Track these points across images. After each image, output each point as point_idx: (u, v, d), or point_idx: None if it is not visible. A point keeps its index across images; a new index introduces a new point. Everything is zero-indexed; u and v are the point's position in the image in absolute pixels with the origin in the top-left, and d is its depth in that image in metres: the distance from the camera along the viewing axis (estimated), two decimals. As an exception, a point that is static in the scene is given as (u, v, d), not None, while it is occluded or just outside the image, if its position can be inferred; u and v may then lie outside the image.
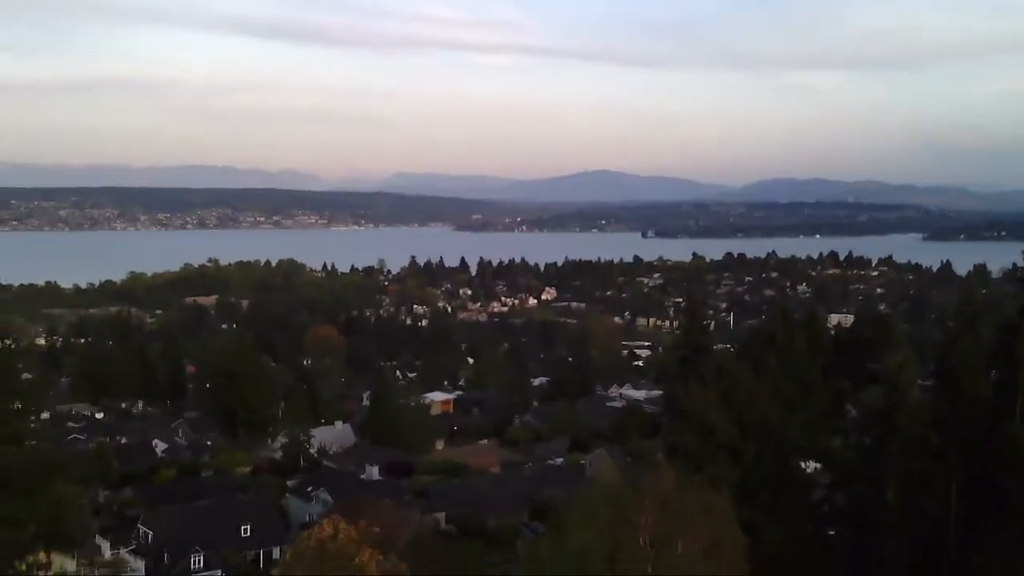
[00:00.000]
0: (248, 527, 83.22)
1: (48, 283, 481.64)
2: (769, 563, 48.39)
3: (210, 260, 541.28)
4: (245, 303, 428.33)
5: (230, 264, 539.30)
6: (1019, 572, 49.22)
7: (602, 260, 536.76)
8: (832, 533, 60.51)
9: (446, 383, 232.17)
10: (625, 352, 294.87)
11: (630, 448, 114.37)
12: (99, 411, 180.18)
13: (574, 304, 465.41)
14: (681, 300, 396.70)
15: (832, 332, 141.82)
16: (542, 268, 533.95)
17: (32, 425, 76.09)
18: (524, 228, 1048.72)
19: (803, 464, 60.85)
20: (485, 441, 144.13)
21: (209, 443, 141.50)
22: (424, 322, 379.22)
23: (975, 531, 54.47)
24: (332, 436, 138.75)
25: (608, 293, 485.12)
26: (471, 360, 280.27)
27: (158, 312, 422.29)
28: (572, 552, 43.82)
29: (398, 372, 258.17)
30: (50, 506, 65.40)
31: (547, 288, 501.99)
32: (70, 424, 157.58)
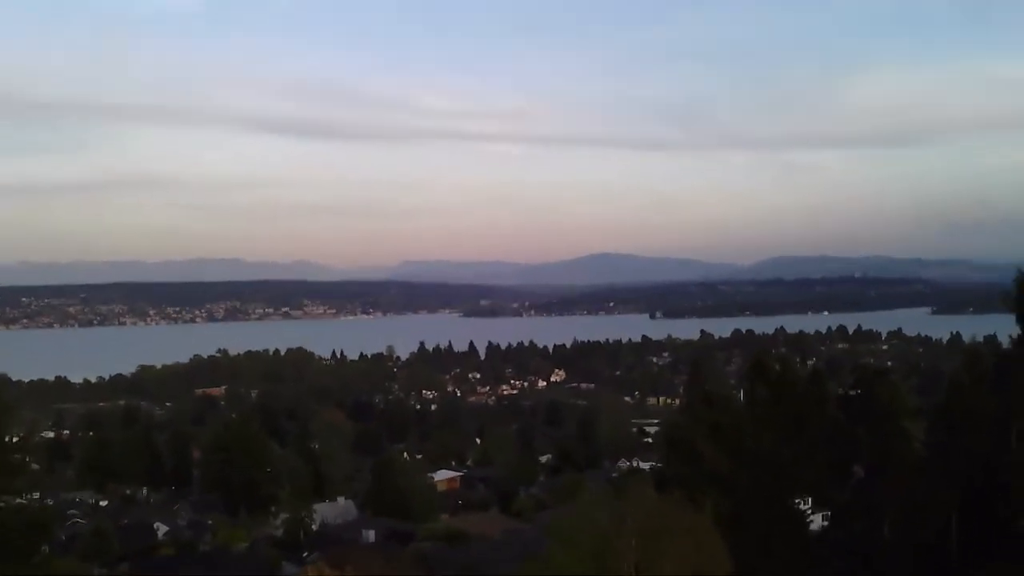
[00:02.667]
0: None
1: (58, 378, 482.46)
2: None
3: (219, 351, 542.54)
4: (255, 393, 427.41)
5: (239, 354, 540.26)
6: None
7: (610, 341, 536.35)
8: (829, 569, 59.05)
9: (453, 463, 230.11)
10: (635, 430, 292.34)
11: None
12: (103, 499, 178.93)
13: (583, 385, 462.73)
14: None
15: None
16: (551, 350, 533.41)
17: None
18: (532, 312, 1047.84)
19: (799, 501, 59.84)
20: (489, 511, 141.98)
21: (210, 522, 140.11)
22: (433, 407, 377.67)
23: (975, 562, 53.19)
24: (334, 511, 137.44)
25: (617, 373, 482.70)
26: (479, 441, 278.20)
27: (167, 404, 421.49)
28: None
29: (405, 453, 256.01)
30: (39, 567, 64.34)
31: (556, 370, 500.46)
32: (71, 511, 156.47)
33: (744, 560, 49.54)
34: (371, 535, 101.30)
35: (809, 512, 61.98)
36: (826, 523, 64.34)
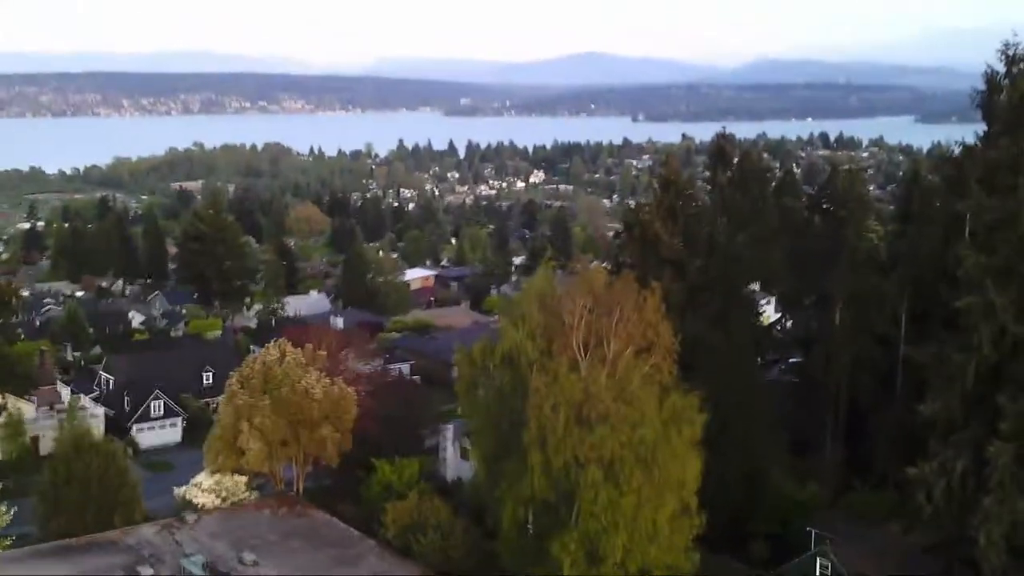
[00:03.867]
0: (211, 375, 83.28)
1: (32, 168, 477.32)
2: (714, 378, 48.19)
3: (195, 144, 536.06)
4: (232, 188, 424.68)
5: (215, 148, 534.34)
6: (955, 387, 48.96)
7: (591, 143, 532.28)
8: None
9: (428, 262, 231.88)
10: (611, 233, 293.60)
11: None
12: (79, 289, 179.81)
13: (562, 187, 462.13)
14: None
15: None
16: (530, 151, 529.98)
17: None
18: (513, 112, 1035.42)
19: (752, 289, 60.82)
20: (459, 306, 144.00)
21: (184, 312, 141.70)
22: (410, 205, 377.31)
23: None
24: (307, 304, 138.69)
25: (596, 175, 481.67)
26: (454, 240, 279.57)
27: (144, 197, 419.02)
28: (503, 351, 43.66)
29: (380, 251, 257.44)
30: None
31: (535, 171, 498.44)
32: (46, 300, 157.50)
33: (693, 341, 50.55)
34: (339, 323, 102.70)
35: (762, 300, 63.22)
36: (779, 313, 65.81)
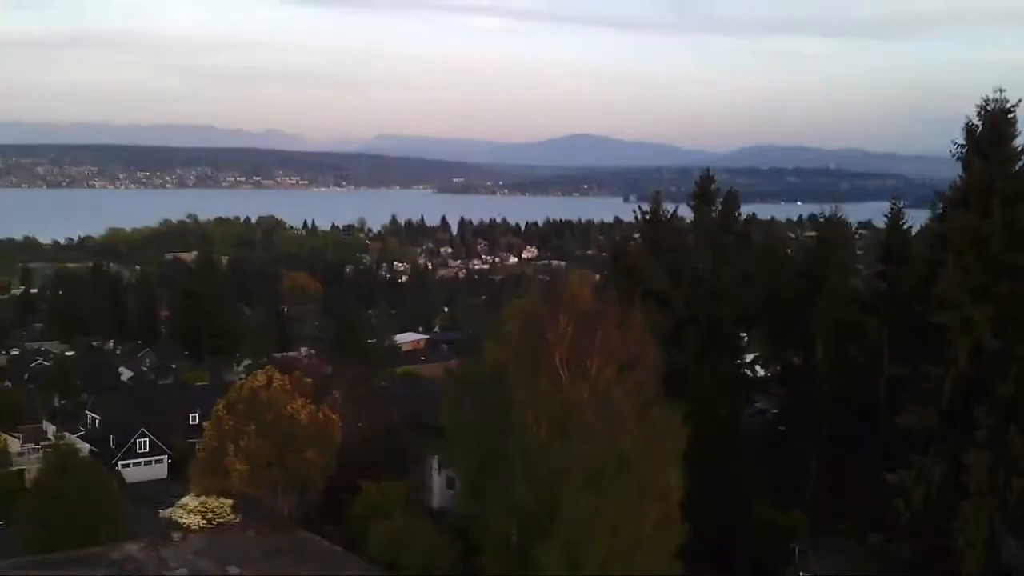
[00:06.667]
0: (197, 415, 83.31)
1: (26, 238, 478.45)
2: (698, 409, 48.73)
3: (189, 216, 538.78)
4: (225, 259, 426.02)
5: (210, 221, 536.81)
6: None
7: (583, 221, 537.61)
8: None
9: (420, 328, 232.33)
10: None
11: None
12: (69, 349, 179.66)
13: (554, 262, 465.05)
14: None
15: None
16: (523, 228, 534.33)
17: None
18: (506, 191, 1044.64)
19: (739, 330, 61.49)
20: (450, 362, 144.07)
21: (174, 367, 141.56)
22: (403, 277, 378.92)
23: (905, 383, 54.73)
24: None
25: (588, 252, 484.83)
26: (446, 309, 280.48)
27: (137, 267, 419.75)
28: (486, 371, 44.23)
29: (373, 318, 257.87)
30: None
31: (528, 247, 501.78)
32: (37, 358, 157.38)
33: (677, 373, 51.22)
34: (329, 370, 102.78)
35: (745, 338, 63.87)
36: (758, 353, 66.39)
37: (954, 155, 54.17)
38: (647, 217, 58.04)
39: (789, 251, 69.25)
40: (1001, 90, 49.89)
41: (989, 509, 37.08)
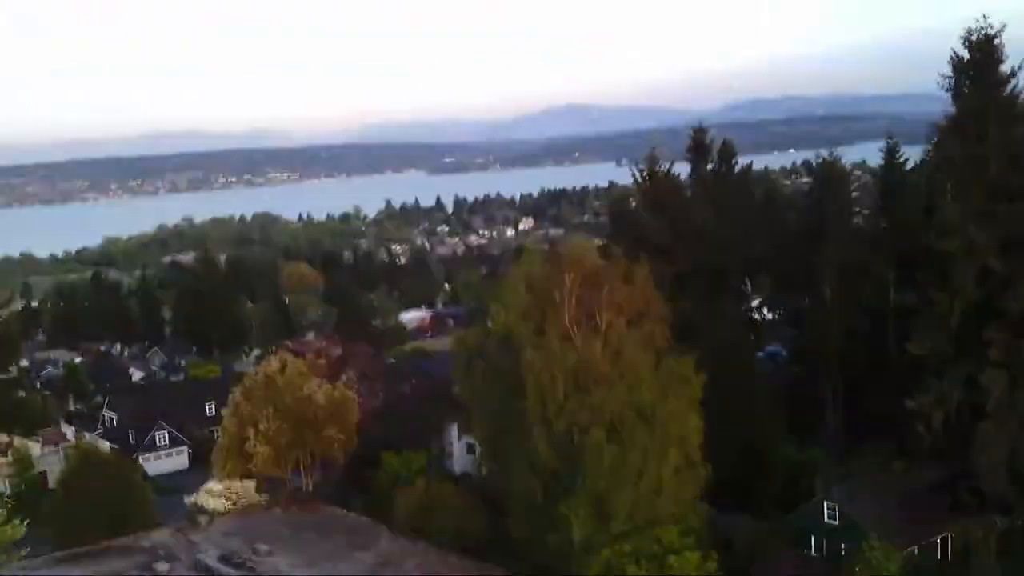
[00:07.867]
0: (213, 405, 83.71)
1: (23, 254, 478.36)
2: (709, 356, 48.89)
3: (184, 219, 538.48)
4: (223, 258, 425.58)
5: (205, 222, 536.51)
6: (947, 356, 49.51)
7: (577, 188, 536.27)
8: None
9: (423, 306, 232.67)
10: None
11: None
12: (77, 356, 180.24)
13: (552, 231, 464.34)
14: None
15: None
16: (518, 200, 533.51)
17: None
18: (498, 166, 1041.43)
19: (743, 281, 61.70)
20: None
21: (183, 363, 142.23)
22: (402, 259, 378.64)
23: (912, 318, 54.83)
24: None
25: (585, 218, 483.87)
26: (447, 286, 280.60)
27: (136, 273, 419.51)
28: (495, 336, 44.46)
29: (375, 301, 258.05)
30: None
31: (524, 219, 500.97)
32: (47, 365, 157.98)
33: (685, 323, 51.38)
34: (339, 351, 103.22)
35: (749, 285, 64.11)
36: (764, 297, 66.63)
37: (943, 87, 54.28)
38: (645, 175, 57.99)
39: (788, 195, 69.00)
40: (984, 16, 50.08)
41: (1008, 427, 37.35)
